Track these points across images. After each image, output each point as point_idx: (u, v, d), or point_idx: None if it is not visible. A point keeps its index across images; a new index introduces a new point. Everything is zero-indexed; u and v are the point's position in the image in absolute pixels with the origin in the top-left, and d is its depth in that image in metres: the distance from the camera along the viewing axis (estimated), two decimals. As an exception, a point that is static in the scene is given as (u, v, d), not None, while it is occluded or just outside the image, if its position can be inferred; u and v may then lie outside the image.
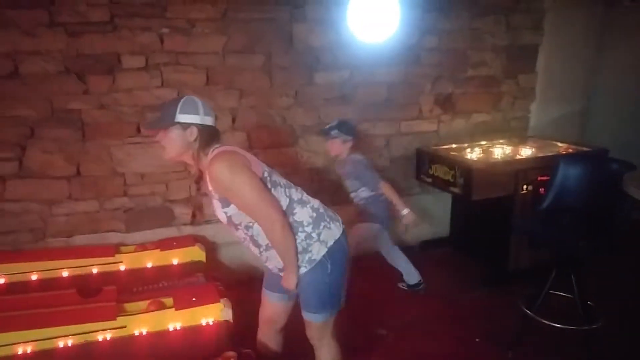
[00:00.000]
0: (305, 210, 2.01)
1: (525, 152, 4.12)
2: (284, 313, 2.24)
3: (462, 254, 4.27)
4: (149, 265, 3.15)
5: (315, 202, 2.09)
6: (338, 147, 3.37)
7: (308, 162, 3.99)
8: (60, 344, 2.29)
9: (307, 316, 2.07)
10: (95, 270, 3.02)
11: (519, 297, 3.06)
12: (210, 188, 1.91)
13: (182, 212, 3.67)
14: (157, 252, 3.24)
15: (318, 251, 1.99)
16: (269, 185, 1.93)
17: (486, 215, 3.94)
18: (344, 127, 3.37)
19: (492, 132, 4.50)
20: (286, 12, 3.69)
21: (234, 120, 3.70)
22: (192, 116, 1.90)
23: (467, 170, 3.59)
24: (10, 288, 2.79)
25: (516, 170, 3.67)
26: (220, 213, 1.96)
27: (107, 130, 3.38)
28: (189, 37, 3.46)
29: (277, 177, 2.01)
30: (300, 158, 3.97)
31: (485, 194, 3.60)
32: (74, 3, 3.18)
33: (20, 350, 2.23)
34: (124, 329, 2.44)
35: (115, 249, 3.24)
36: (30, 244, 3.32)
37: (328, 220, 2.06)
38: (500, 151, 4.13)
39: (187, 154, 1.94)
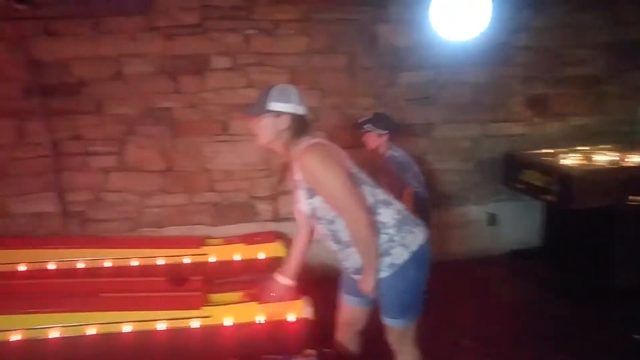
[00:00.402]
0: (390, 212, 1.97)
1: (634, 159, 3.72)
2: (363, 317, 2.22)
3: (555, 266, 3.96)
4: (233, 258, 3.26)
5: (400, 205, 2.05)
6: (373, 141, 3.29)
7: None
8: (152, 327, 2.43)
9: (388, 321, 2.04)
10: (184, 260, 3.18)
11: (619, 316, 2.79)
12: (297, 178, 1.91)
13: (265, 208, 3.78)
14: (241, 246, 3.35)
15: (400, 255, 1.94)
16: (356, 182, 1.91)
17: (584, 226, 3.63)
18: (379, 120, 3.28)
19: (592, 136, 4.17)
20: (369, 13, 3.68)
21: (317, 120, 3.74)
22: (284, 104, 1.91)
23: (566, 177, 3.36)
24: (115, 272, 3.01)
25: (623, 178, 3.37)
26: (305, 204, 1.95)
27: (197, 128, 3.56)
28: (273, 38, 3.56)
29: (363, 176, 1.99)
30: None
31: (586, 202, 3.35)
32: (169, 8, 3.38)
33: (123, 329, 2.40)
34: (208, 318, 2.53)
35: (202, 241, 3.38)
36: (127, 232, 3.58)
37: (412, 224, 2.01)
38: (604, 157, 3.77)
39: (278, 142, 1.95)
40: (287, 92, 1.94)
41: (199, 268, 3.13)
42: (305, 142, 1.90)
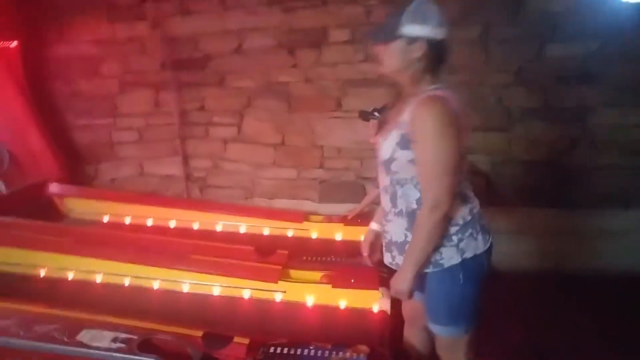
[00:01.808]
0: (463, 209, 1.67)
1: None
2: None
3: None
4: (331, 237, 3.18)
5: (477, 205, 1.74)
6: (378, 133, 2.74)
7: (524, 152, 3.42)
8: (233, 293, 2.50)
9: (434, 329, 1.76)
10: (286, 233, 3.20)
11: None
12: (402, 119, 1.63)
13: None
14: (341, 226, 3.25)
15: (449, 258, 1.65)
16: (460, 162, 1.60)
17: None
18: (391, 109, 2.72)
19: None
20: (515, -26, 3.18)
21: (436, 98, 3.40)
22: (420, 27, 1.58)
23: None
24: (214, 236, 3.16)
25: None
26: (388, 147, 1.66)
27: (311, 103, 3.53)
28: (396, 9, 3.29)
29: (462, 162, 1.65)
30: (514, 147, 3.43)
31: None
32: (291, -19, 3.37)
33: (208, 291, 2.51)
34: (284, 293, 2.51)
35: (305, 217, 3.36)
36: (241, 200, 3.75)
37: (479, 229, 1.69)
38: None
39: (406, 73, 1.64)
40: (424, 11, 1.60)
41: (297, 243, 3.13)
42: (436, 88, 1.61)
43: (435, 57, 1.62)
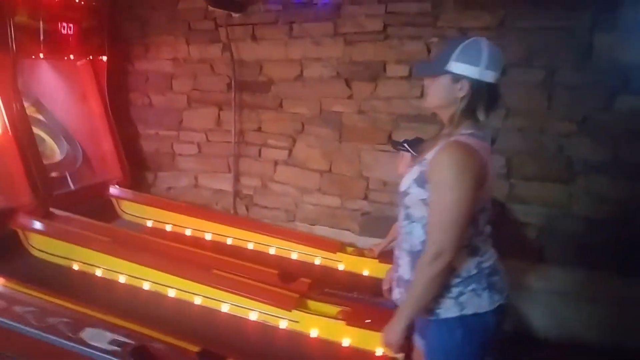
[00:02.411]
0: (469, 261, 1.58)
1: None
2: None
3: None
4: (360, 272, 3.12)
5: (488, 261, 1.62)
6: (406, 165, 2.50)
7: (586, 207, 3.15)
8: (245, 314, 2.53)
9: None
10: (312, 260, 3.20)
11: None
12: (427, 157, 1.58)
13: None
14: (374, 263, 3.17)
15: (446, 309, 1.57)
16: (476, 212, 1.54)
17: None
18: (420, 144, 2.46)
19: None
20: (585, 19, 2.99)
21: (493, 142, 3.23)
22: (467, 66, 1.52)
23: None
24: (244, 254, 3.23)
25: None
26: (406, 180, 1.64)
27: (361, 134, 3.51)
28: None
29: (480, 217, 1.58)
30: (575, 201, 3.17)
31: None
32: (356, 15, 3.41)
33: (219, 307, 2.58)
34: (296, 323, 2.49)
35: (340, 247, 3.33)
36: (283, 223, 3.78)
37: (485, 286, 1.59)
38: None
39: (447, 111, 1.59)
40: (477, 49, 1.53)
41: (324, 272, 3.11)
42: (470, 134, 1.53)
43: (479, 100, 1.54)
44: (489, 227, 1.65)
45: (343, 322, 2.43)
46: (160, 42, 3.97)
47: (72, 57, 3.69)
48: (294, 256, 3.25)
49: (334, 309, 2.53)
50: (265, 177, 3.82)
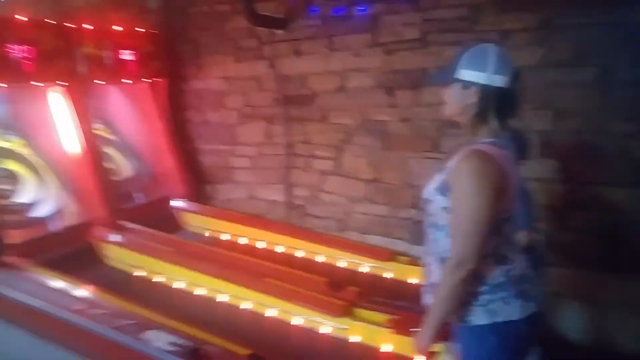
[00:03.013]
0: (496, 270, 1.60)
1: None
2: None
3: None
4: (409, 280, 3.15)
5: (518, 269, 1.64)
6: None
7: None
8: (293, 320, 2.65)
9: None
10: (362, 269, 3.27)
11: None
12: (449, 165, 1.62)
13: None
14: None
15: (476, 317, 1.60)
16: (500, 221, 1.57)
17: None
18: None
19: None
20: (640, 12, 2.87)
21: (543, 146, 3.18)
22: (475, 73, 1.56)
23: None
24: (294, 262, 3.37)
25: None
26: (431, 190, 1.67)
27: (407, 142, 3.56)
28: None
29: (506, 228, 1.61)
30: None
31: None
32: (393, 24, 3.48)
33: (269, 313, 2.73)
34: (344, 330, 2.57)
35: (391, 256, 3.37)
36: (335, 232, 3.88)
37: (514, 294, 1.60)
38: None
39: (464, 117, 1.63)
40: (484, 56, 1.56)
41: (375, 280, 3.18)
42: (490, 142, 1.56)
43: (490, 105, 1.57)
44: (520, 235, 1.67)
45: (390, 330, 2.49)
46: (212, 62, 4.20)
47: (134, 80, 4.00)
48: (344, 264, 3.34)
49: (382, 317, 2.59)
50: (314, 187, 3.95)
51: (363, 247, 3.53)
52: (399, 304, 2.81)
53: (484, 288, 1.60)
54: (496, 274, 1.60)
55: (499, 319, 1.58)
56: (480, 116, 1.59)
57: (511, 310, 1.59)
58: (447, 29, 3.32)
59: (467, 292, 1.59)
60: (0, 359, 2.25)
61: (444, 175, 1.62)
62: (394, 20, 3.48)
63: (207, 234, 3.81)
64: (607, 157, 3.04)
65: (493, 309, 1.59)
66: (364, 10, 3.59)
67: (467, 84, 1.57)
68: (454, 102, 1.63)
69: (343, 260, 3.35)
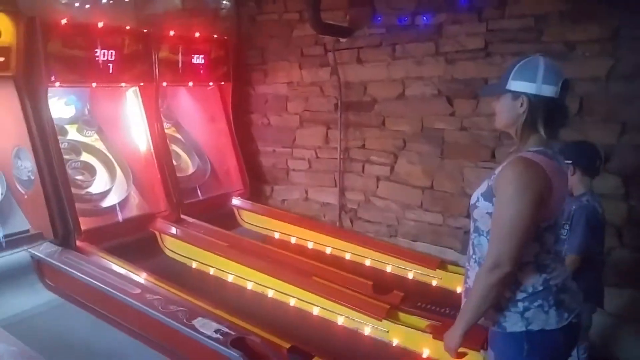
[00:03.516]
0: (535, 278, 1.61)
1: None
2: None
3: None
4: (456, 289, 3.12)
5: (558, 278, 1.63)
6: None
7: None
8: (337, 319, 2.72)
9: None
10: (409, 275, 3.28)
11: None
12: (495, 170, 1.68)
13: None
14: (471, 280, 3.16)
15: (512, 323, 1.61)
16: (542, 229, 1.59)
17: None
18: (571, 148, 2.41)
19: None
20: None
21: (607, 161, 3.05)
22: (525, 84, 1.60)
23: None
24: (343, 264, 3.41)
25: None
26: (477, 195, 1.71)
27: (464, 151, 3.53)
28: (564, 62, 3.10)
29: (549, 236, 1.62)
30: None
31: None
32: (457, 34, 3.48)
33: (313, 311, 2.80)
34: (385, 332, 2.61)
35: (439, 264, 3.35)
36: (385, 237, 3.91)
37: (552, 303, 1.60)
38: None
39: (514, 127, 1.67)
40: (534, 66, 1.60)
41: (421, 287, 3.17)
42: (537, 151, 1.60)
43: (539, 115, 1.59)
44: (559, 244, 1.66)
45: (430, 335, 2.49)
46: (277, 68, 4.37)
47: (203, 83, 4.25)
48: (391, 269, 3.36)
49: (424, 323, 2.60)
50: (368, 192, 4.00)
51: (412, 253, 3.51)
52: (443, 311, 2.80)
53: (522, 295, 1.61)
54: (535, 282, 1.61)
55: (535, 327, 1.58)
56: (530, 126, 1.62)
57: (548, 320, 1.59)
58: (511, 39, 3.28)
59: (502, 297, 1.60)
60: (65, 336, 2.47)
61: (490, 181, 1.65)
62: (458, 30, 3.49)
63: (265, 233, 3.96)
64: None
65: (529, 317, 1.60)
66: (427, 19, 3.61)
67: (516, 95, 1.61)
68: (505, 112, 1.67)
69: (390, 265, 3.37)
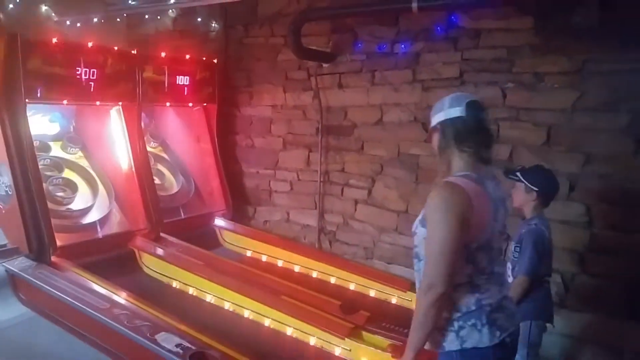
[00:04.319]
0: (468, 299, 1.68)
1: None
2: None
3: None
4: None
5: (491, 298, 1.69)
6: (519, 196, 2.58)
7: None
8: (303, 337, 2.76)
9: None
10: (380, 296, 3.33)
11: None
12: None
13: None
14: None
15: (449, 342, 1.67)
16: (473, 249, 1.65)
17: None
18: (533, 173, 2.55)
19: None
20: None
21: (571, 189, 3.13)
22: (438, 115, 1.77)
23: None
24: (311, 284, 3.45)
25: None
26: (417, 221, 1.80)
27: (436, 176, 3.58)
28: (533, 93, 3.25)
29: (483, 257, 1.67)
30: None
31: None
32: (433, 62, 3.59)
33: (270, 324, 2.87)
34: (348, 351, 2.65)
35: (410, 286, 3.38)
36: (362, 259, 3.95)
37: (484, 321, 1.66)
38: None
39: (442, 159, 1.79)
40: (442, 100, 1.78)
41: (389, 308, 3.22)
42: (461, 175, 1.69)
43: (451, 134, 1.70)
44: (495, 266, 1.72)
45: (389, 355, 2.53)
46: (263, 90, 4.48)
47: (189, 104, 4.35)
48: (362, 290, 3.41)
49: (385, 342, 2.65)
50: (346, 214, 4.06)
51: (384, 275, 3.56)
52: (407, 332, 2.84)
53: (456, 315, 1.68)
54: (469, 302, 1.67)
55: (469, 345, 1.64)
56: (445, 148, 1.73)
57: (481, 338, 1.64)
58: (485, 68, 3.40)
59: (441, 318, 1.66)
60: (32, 349, 2.51)
61: (425, 208, 1.73)
62: (434, 59, 3.61)
63: (241, 252, 4.02)
64: (636, 203, 2.95)
65: (463, 335, 1.66)
66: (406, 47, 3.74)
67: (435, 128, 1.78)
68: (435, 146, 1.81)
69: (362, 286, 3.42)
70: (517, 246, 2.57)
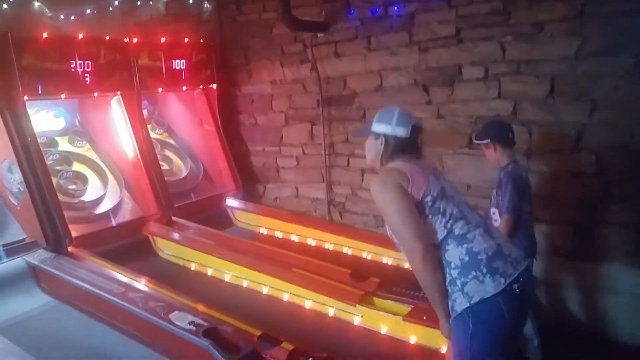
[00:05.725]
0: (458, 250, 1.72)
1: None
2: None
3: None
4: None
5: (481, 245, 1.72)
6: (487, 154, 2.78)
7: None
8: (314, 307, 2.82)
9: None
10: (387, 260, 3.36)
11: None
12: None
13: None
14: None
15: (459, 303, 1.70)
16: (426, 211, 1.77)
17: None
18: (484, 128, 2.77)
19: None
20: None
21: (579, 139, 3.07)
22: (384, 126, 1.95)
23: None
24: (320, 253, 3.50)
25: None
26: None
27: (442, 138, 3.56)
28: (533, 44, 3.15)
29: (446, 205, 1.77)
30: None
31: None
32: (428, 22, 3.51)
33: (284, 296, 2.94)
34: (361, 317, 2.69)
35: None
36: (373, 228, 3.96)
37: (484, 271, 1.68)
38: None
39: (377, 161, 2.00)
40: (390, 113, 1.96)
41: (393, 272, 3.24)
42: (387, 167, 1.91)
43: (392, 150, 1.92)
44: (465, 209, 1.82)
45: (401, 318, 2.57)
46: (261, 67, 4.45)
47: (188, 88, 4.36)
48: (372, 257, 3.45)
49: (396, 306, 2.68)
50: (354, 185, 4.06)
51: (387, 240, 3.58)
52: (417, 295, 2.86)
53: (455, 271, 1.71)
54: (460, 253, 1.73)
55: (475, 299, 1.67)
56: (388, 158, 1.93)
57: (485, 288, 1.67)
58: (481, 23, 3.31)
59: (439, 272, 1.73)
60: (56, 335, 2.61)
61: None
62: (429, 18, 3.52)
63: (254, 230, 4.07)
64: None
65: (469, 291, 1.69)
66: (399, 9, 3.66)
67: (377, 135, 1.94)
68: (370, 150, 2.00)
69: (373, 253, 3.45)
70: (498, 190, 2.70)
